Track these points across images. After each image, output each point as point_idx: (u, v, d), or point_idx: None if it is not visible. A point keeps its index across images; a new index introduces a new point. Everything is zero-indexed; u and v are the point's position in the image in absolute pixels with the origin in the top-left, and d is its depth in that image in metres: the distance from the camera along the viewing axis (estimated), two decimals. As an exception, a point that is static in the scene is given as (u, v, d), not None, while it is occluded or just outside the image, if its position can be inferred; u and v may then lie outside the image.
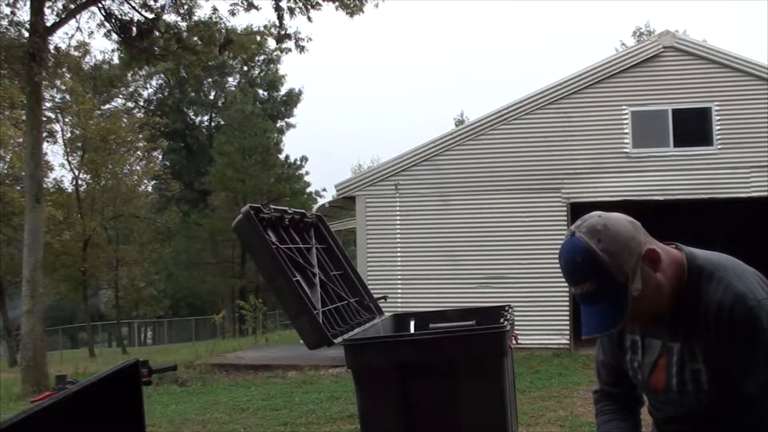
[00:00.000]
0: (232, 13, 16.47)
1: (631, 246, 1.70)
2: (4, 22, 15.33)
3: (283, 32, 16.16)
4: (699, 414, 1.84)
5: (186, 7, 15.70)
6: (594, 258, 1.69)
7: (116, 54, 18.59)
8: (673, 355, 1.83)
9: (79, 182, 31.10)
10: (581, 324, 1.78)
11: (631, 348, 1.93)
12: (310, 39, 16.55)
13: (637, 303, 1.71)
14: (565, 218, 13.96)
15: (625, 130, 14.28)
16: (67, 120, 30.06)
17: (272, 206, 4.49)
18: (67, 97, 28.34)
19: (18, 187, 23.94)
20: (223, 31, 15.98)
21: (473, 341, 3.90)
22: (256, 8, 16.03)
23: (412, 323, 5.08)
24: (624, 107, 14.31)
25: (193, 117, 46.33)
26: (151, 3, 15.45)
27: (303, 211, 5.01)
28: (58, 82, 24.04)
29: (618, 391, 2.06)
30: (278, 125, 44.18)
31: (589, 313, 1.74)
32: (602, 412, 2.08)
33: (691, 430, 1.88)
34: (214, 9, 16.13)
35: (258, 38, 17.68)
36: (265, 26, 17.10)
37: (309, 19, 15.73)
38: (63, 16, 14.92)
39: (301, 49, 16.52)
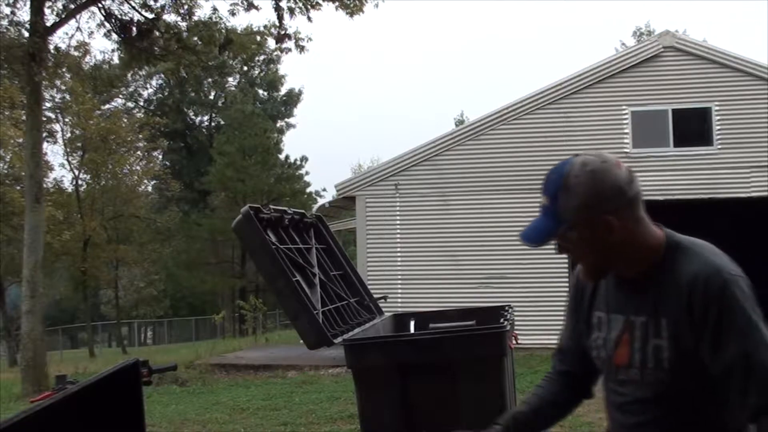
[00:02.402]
0: (232, 13, 16.45)
1: (593, 204, 1.72)
2: (4, 22, 15.33)
3: (283, 32, 16.15)
4: (658, 397, 1.79)
5: (186, 7, 15.70)
6: (561, 184, 1.76)
7: (116, 54, 18.59)
8: (637, 330, 1.80)
9: (79, 182, 31.13)
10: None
11: (596, 325, 1.91)
12: (310, 39, 16.54)
13: (572, 248, 1.77)
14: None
15: (625, 130, 14.28)
16: (67, 120, 30.07)
17: (272, 206, 4.49)
18: (67, 97, 28.35)
19: (18, 187, 23.93)
20: (223, 31, 15.97)
21: (473, 341, 3.90)
22: (256, 8, 16.03)
23: (412, 323, 5.09)
24: (624, 107, 14.31)
25: (193, 117, 46.33)
26: (151, 3, 15.44)
27: (303, 211, 5.02)
28: (58, 82, 24.05)
29: (564, 368, 2.07)
30: (278, 125, 44.17)
31: (531, 223, 1.80)
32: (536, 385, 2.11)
33: (649, 420, 1.82)
34: (214, 9, 16.11)
35: (258, 38, 17.69)
36: (265, 26, 17.12)
37: (309, 19, 15.72)
38: (63, 16, 14.91)
39: (301, 49, 16.51)
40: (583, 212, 1.72)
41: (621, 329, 1.84)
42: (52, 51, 15.37)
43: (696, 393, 1.76)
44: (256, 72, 45.67)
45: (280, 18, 15.77)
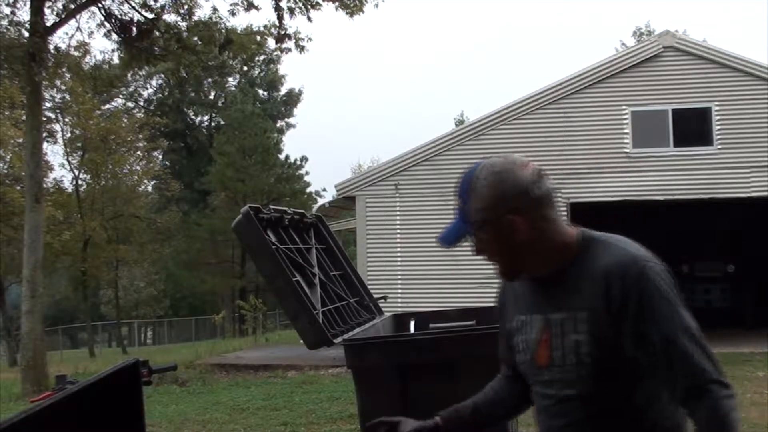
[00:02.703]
0: (232, 13, 16.46)
1: (497, 204, 1.75)
2: (4, 22, 15.33)
3: (283, 32, 16.14)
4: (583, 395, 1.76)
5: (186, 7, 15.69)
6: (468, 186, 1.80)
7: (116, 54, 18.58)
8: (555, 327, 1.79)
9: (79, 182, 31.15)
10: None
11: (518, 328, 1.90)
12: (310, 39, 16.53)
13: (484, 247, 1.80)
14: (565, 218, 13.94)
15: (625, 130, 14.28)
16: (67, 120, 30.09)
17: (272, 206, 4.49)
18: (67, 97, 28.36)
19: (18, 187, 23.93)
20: (223, 31, 15.97)
21: (473, 341, 3.90)
22: (256, 8, 16.03)
23: (412, 323, 5.08)
24: (624, 107, 14.31)
25: (193, 117, 46.33)
26: (151, 3, 15.44)
27: (303, 211, 5.02)
28: (58, 82, 24.04)
29: (510, 373, 2.07)
30: (278, 125, 44.18)
31: (450, 224, 1.84)
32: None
33: (578, 419, 1.79)
34: (214, 9, 16.12)
35: (258, 38, 17.67)
36: (265, 26, 17.10)
37: (309, 19, 15.71)
38: (63, 16, 14.91)
39: (301, 49, 16.51)
40: (487, 212, 1.76)
41: (540, 329, 1.83)
42: (52, 51, 15.36)
43: (621, 386, 1.74)
44: (256, 72, 45.68)
45: (280, 18, 15.77)
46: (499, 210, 1.75)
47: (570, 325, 1.77)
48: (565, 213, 14.03)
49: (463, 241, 1.82)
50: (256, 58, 41.99)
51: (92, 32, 21.11)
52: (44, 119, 19.53)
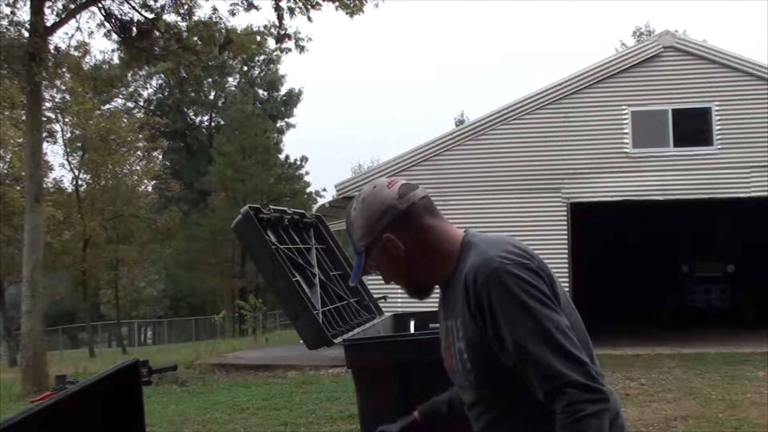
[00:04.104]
0: (232, 13, 16.44)
1: (371, 227, 1.81)
2: (4, 22, 15.32)
3: (283, 32, 16.13)
4: (481, 400, 1.76)
5: (186, 7, 15.69)
6: (349, 221, 1.88)
7: (116, 54, 18.58)
8: (452, 334, 1.80)
9: (79, 182, 31.12)
10: None
11: (443, 335, 1.90)
12: (310, 39, 16.53)
13: (383, 272, 1.86)
14: (565, 218, 13.96)
15: (625, 130, 14.27)
16: (67, 120, 30.06)
17: (272, 207, 4.48)
18: (67, 97, 28.33)
19: (18, 187, 23.92)
20: (223, 31, 15.96)
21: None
22: (256, 8, 16.02)
23: (412, 323, 5.08)
24: (624, 107, 14.31)
25: (193, 117, 46.33)
26: (151, 3, 15.43)
27: (302, 211, 5.01)
28: (58, 82, 24.01)
29: None
30: (278, 125, 44.16)
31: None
32: None
33: (488, 423, 1.77)
34: (214, 9, 16.10)
35: (258, 38, 17.65)
36: (265, 26, 17.08)
37: (309, 19, 15.71)
38: (63, 16, 14.90)
39: (301, 49, 16.50)
40: (366, 238, 1.82)
41: (445, 336, 1.86)
42: (52, 51, 15.35)
43: (507, 392, 1.71)
44: (256, 72, 45.67)
45: (280, 18, 15.76)
46: (373, 232, 1.80)
47: (454, 332, 1.78)
48: (565, 213, 14.04)
49: (369, 274, 1.87)
50: (256, 58, 42.03)
51: (92, 32, 21.08)
52: (44, 119, 19.54)
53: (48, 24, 14.33)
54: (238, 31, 16.71)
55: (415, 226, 1.79)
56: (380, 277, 1.88)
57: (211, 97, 45.63)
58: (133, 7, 15.31)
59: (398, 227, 1.78)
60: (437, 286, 1.89)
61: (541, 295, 1.65)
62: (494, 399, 1.75)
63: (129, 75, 32.29)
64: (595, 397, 1.58)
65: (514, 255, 1.69)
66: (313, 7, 15.44)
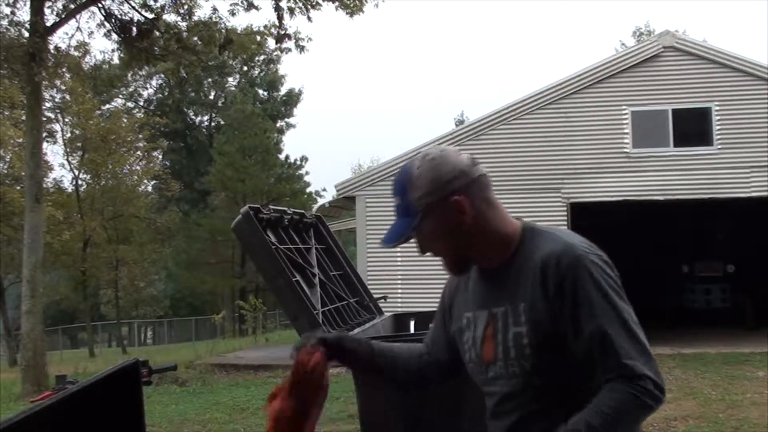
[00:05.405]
0: (232, 13, 16.45)
1: (440, 186, 1.74)
2: (4, 22, 15.33)
3: (283, 32, 16.13)
4: (525, 389, 1.72)
5: (186, 7, 15.69)
6: (405, 178, 1.77)
7: (116, 54, 18.60)
8: (498, 321, 1.76)
9: (79, 182, 31.12)
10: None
11: (466, 327, 1.87)
12: (310, 39, 16.53)
13: (431, 239, 1.78)
14: (566, 218, 13.95)
15: (625, 130, 14.28)
16: (67, 120, 30.05)
17: (272, 207, 4.49)
18: (67, 97, 28.33)
19: (18, 187, 23.92)
20: (223, 31, 15.96)
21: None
22: (256, 8, 16.02)
23: (412, 323, 5.08)
24: (624, 107, 14.31)
25: (193, 117, 46.29)
26: (151, 3, 15.43)
27: (302, 211, 5.02)
28: (58, 82, 24.02)
29: (425, 351, 2.02)
30: (278, 125, 44.12)
31: (392, 225, 1.80)
32: None
33: (522, 417, 1.75)
34: (214, 9, 16.10)
35: (258, 38, 17.66)
36: (265, 26, 17.10)
37: (309, 19, 15.71)
38: (63, 16, 14.90)
39: (301, 49, 16.50)
40: (431, 197, 1.74)
41: (485, 324, 1.81)
42: (52, 51, 15.35)
43: (564, 379, 1.70)
44: (256, 72, 45.64)
45: (280, 18, 15.76)
46: (441, 192, 1.74)
47: (511, 317, 1.74)
48: (565, 213, 14.04)
49: (406, 240, 1.78)
50: (256, 58, 41.98)
51: (92, 32, 21.16)
52: (44, 119, 19.52)
53: (48, 24, 14.33)
54: (238, 31, 16.72)
55: (483, 197, 1.77)
56: (414, 244, 1.82)
57: (211, 97, 45.61)
58: (133, 7, 15.31)
59: (468, 192, 1.75)
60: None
61: (618, 288, 1.71)
62: (541, 392, 1.72)
63: (129, 75, 32.31)
64: (657, 395, 1.63)
65: (592, 247, 1.74)
66: (313, 7, 15.44)
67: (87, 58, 20.40)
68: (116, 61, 20.03)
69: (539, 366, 1.71)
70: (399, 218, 1.78)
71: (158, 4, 15.47)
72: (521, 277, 1.74)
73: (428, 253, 1.84)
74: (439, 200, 1.73)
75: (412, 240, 1.80)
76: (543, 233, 1.78)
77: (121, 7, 15.37)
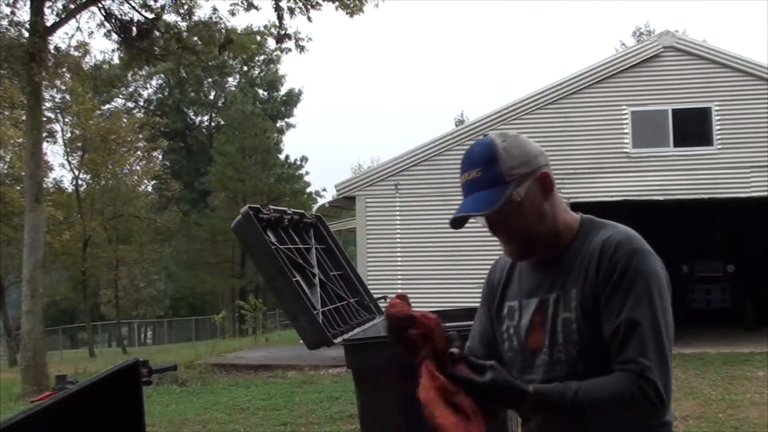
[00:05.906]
0: (232, 13, 16.49)
1: (530, 159, 1.77)
2: (4, 22, 15.34)
3: (283, 32, 16.14)
4: (569, 376, 1.70)
5: (186, 7, 15.70)
6: (492, 150, 1.76)
7: (116, 54, 18.61)
8: (549, 308, 1.77)
9: (79, 182, 31.14)
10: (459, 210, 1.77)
11: (507, 315, 1.87)
12: (310, 39, 16.55)
13: (514, 214, 1.74)
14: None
15: (625, 130, 14.28)
16: (67, 120, 30.09)
17: (272, 207, 4.49)
18: (67, 97, 28.36)
19: (18, 187, 23.93)
20: (223, 31, 15.98)
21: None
22: (256, 8, 16.04)
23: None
24: (624, 107, 14.31)
25: (193, 117, 46.30)
26: (151, 3, 15.44)
27: (302, 211, 5.02)
28: (58, 82, 24.04)
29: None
30: (278, 125, 44.13)
31: (467, 200, 1.77)
32: None
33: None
34: (214, 9, 16.13)
35: (258, 38, 17.69)
36: (265, 26, 17.12)
37: (309, 19, 15.72)
38: (63, 16, 14.91)
39: (301, 49, 16.51)
40: (525, 168, 1.75)
41: (533, 312, 1.81)
42: (52, 51, 15.36)
43: (604, 365, 1.69)
44: (256, 72, 45.64)
45: (280, 18, 15.77)
46: (532, 165, 1.77)
47: (561, 303, 1.75)
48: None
49: (500, 205, 1.72)
50: (256, 58, 41.99)
51: (92, 32, 21.24)
52: (44, 119, 19.53)
53: (48, 24, 14.34)
54: (238, 31, 16.74)
55: (553, 182, 1.81)
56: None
57: (211, 97, 45.61)
58: (133, 7, 15.32)
59: (549, 168, 1.81)
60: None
61: (665, 293, 1.74)
62: (583, 378, 1.70)
63: (129, 75, 32.27)
64: (655, 404, 1.64)
65: (651, 248, 1.77)
66: (313, 7, 15.45)
67: (87, 58, 20.40)
68: (116, 61, 20.04)
69: (584, 351, 1.72)
70: (484, 189, 1.74)
71: (158, 4, 15.49)
72: (576, 264, 1.76)
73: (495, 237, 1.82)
74: (530, 172, 1.76)
75: (472, 220, 1.78)
76: (605, 224, 1.82)
77: (121, 7, 15.39)
